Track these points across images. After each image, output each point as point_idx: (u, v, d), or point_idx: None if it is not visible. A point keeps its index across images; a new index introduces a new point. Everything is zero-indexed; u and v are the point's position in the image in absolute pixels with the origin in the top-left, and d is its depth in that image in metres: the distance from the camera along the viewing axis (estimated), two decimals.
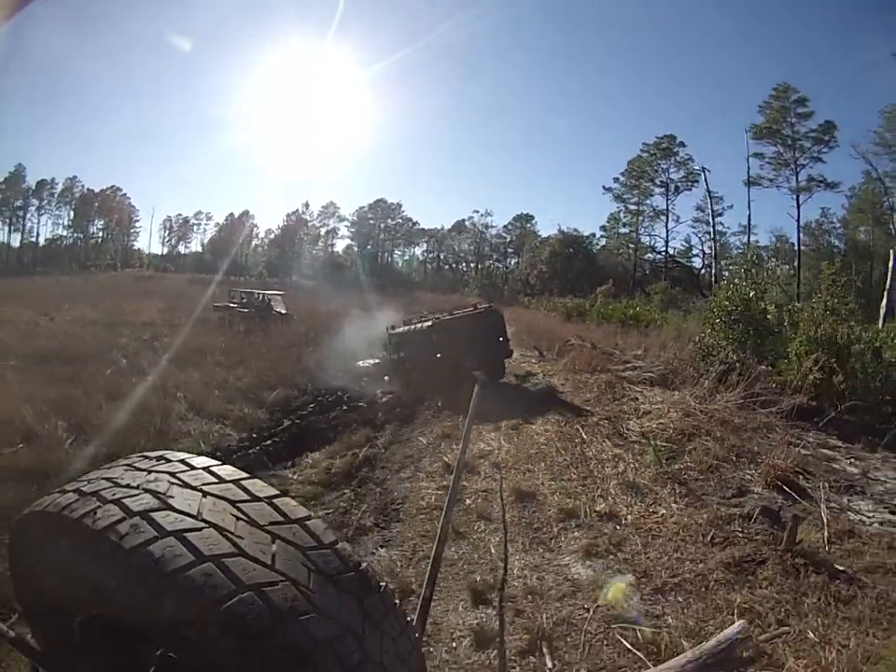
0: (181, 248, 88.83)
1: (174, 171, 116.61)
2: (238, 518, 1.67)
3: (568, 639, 3.87)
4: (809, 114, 49.13)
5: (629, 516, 5.81)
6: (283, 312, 25.77)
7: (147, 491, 1.71)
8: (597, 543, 5.20)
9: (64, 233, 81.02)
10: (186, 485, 1.75)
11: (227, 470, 1.87)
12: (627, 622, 3.99)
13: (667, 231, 61.33)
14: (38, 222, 78.56)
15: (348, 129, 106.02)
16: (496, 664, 3.65)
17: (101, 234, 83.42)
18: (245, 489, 1.79)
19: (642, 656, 3.64)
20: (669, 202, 61.03)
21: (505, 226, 77.19)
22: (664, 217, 61.72)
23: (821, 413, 9.82)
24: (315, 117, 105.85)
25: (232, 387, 11.81)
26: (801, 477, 6.72)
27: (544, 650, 3.72)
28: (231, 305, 26.66)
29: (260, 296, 27.26)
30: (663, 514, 5.80)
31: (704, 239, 59.40)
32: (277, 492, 1.83)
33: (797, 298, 35.70)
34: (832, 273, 13.10)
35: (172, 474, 1.80)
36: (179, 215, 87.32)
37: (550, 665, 3.59)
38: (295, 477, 7.34)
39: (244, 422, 10.10)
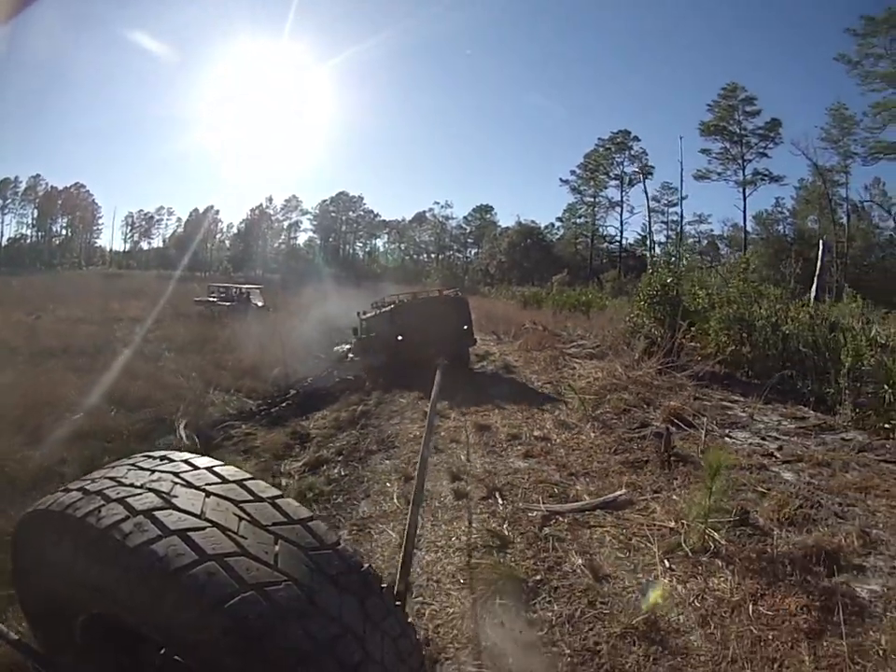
0: (144, 245, 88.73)
1: (135, 167, 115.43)
2: (241, 518, 1.73)
3: (511, 492, 6.08)
4: (756, 112, 51.96)
5: (558, 439, 8.07)
6: (260, 304, 26.53)
7: (150, 490, 1.76)
8: (532, 452, 7.45)
9: (28, 232, 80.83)
10: (189, 485, 1.81)
11: (230, 471, 1.94)
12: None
13: (621, 222, 63.86)
14: (3, 221, 78.44)
15: (309, 123, 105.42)
16: (468, 503, 5.83)
17: (64, 232, 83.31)
18: (247, 489, 1.85)
19: (557, 501, 5.91)
20: (624, 193, 63.55)
21: (465, 217, 78.76)
22: (619, 209, 64.29)
23: (732, 377, 12.17)
24: (275, 111, 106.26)
25: (235, 368, 13.13)
26: (694, 417, 8.83)
27: (497, 496, 5.94)
28: (211, 299, 27.62)
29: (239, 290, 28.13)
30: (582, 438, 8.05)
31: (660, 228, 62.15)
32: (280, 492, 1.90)
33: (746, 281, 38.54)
34: (743, 262, 15.57)
35: (175, 474, 1.86)
36: (141, 211, 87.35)
37: (501, 502, 5.80)
38: (311, 425, 9.26)
39: (255, 393, 11.58)
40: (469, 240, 78.97)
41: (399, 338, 13.06)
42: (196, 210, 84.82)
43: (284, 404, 10.73)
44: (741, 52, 79.48)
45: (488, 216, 77.13)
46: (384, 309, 14.33)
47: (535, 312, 30.24)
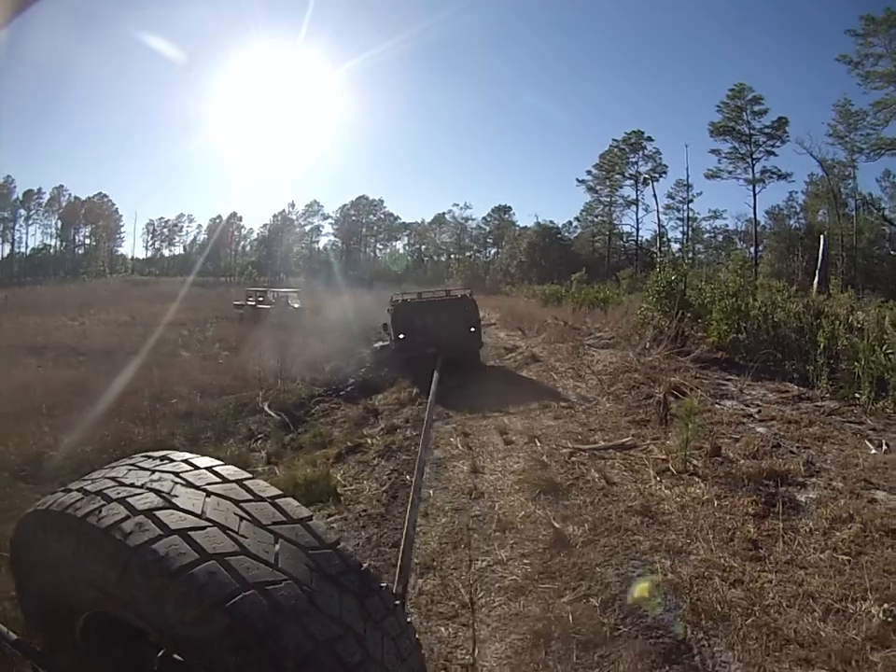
0: (165, 252, 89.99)
1: (154, 175, 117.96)
2: (241, 517, 1.76)
3: (546, 439, 8.18)
4: (764, 111, 52.97)
5: (580, 408, 10.08)
6: (297, 307, 27.95)
7: (151, 490, 1.79)
8: (560, 415, 9.57)
9: (52, 242, 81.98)
10: (189, 485, 1.84)
11: (230, 470, 1.97)
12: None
13: (637, 220, 65.25)
14: (27, 232, 79.63)
15: (327, 128, 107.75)
16: (515, 447, 7.87)
17: (87, 242, 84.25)
18: (247, 489, 1.88)
19: (580, 443, 7.91)
20: (639, 192, 64.90)
21: (484, 217, 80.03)
22: (634, 207, 65.66)
23: (730, 361, 13.98)
24: (294, 117, 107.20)
25: (295, 362, 14.21)
26: (691, 390, 10.58)
27: (535, 441, 7.96)
28: (250, 303, 28.51)
29: (277, 293, 29.45)
30: (599, 407, 10.03)
31: (676, 224, 63.61)
32: (280, 492, 1.93)
33: (755, 275, 39.76)
34: (739, 260, 17.45)
35: (175, 474, 1.89)
36: (161, 218, 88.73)
37: (539, 446, 7.76)
38: (377, 403, 11.18)
39: (317, 381, 13.03)
40: (488, 240, 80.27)
41: (402, 336, 13.63)
42: (219, 217, 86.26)
43: (348, 388, 12.39)
44: (747, 53, 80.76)
45: (507, 216, 78.59)
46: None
47: (555, 309, 31.51)
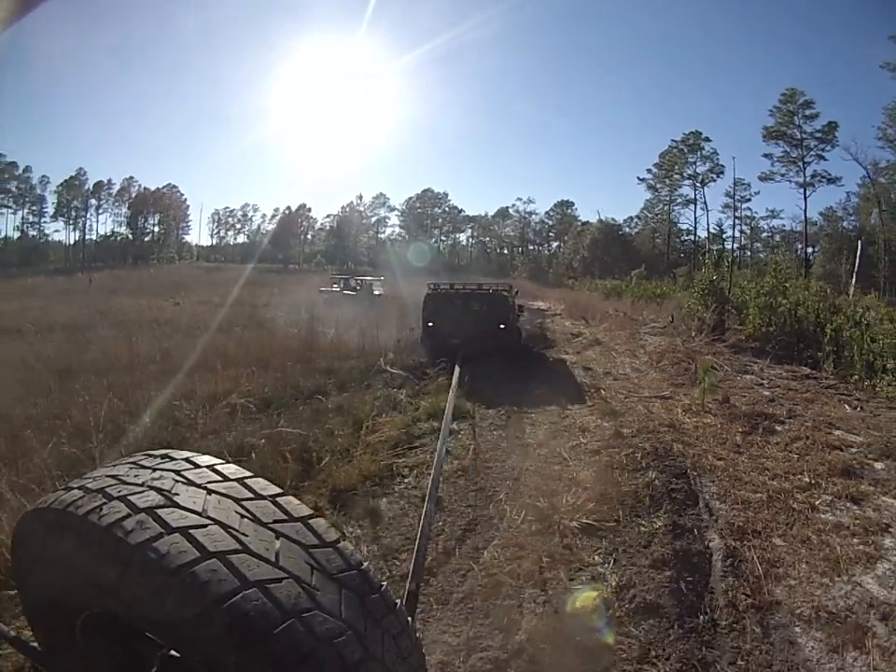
0: (229, 240, 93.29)
1: (220, 167, 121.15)
2: (242, 516, 1.77)
3: (607, 391, 11.48)
4: (815, 115, 54.36)
5: (633, 375, 13.43)
6: (379, 293, 29.60)
7: (152, 488, 1.79)
8: (618, 378, 13.01)
9: (121, 230, 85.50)
10: (190, 483, 1.85)
11: (231, 469, 1.98)
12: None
13: (695, 219, 67.15)
14: (97, 221, 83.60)
15: (394, 121, 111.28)
16: (588, 394, 11.22)
17: (155, 230, 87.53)
18: (248, 487, 1.89)
19: (632, 393, 11.24)
20: (697, 192, 66.75)
21: (547, 212, 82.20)
22: (693, 206, 67.53)
23: (761, 349, 16.93)
24: (358, 110, 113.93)
25: (399, 338, 15.95)
26: (720, 367, 13.82)
27: (601, 391, 11.29)
28: (335, 289, 30.82)
29: (361, 280, 31.19)
30: (647, 375, 13.32)
31: (734, 223, 65.45)
32: (280, 490, 1.94)
33: (805, 275, 41.83)
34: (775, 263, 20.30)
35: (177, 472, 1.90)
36: (227, 208, 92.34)
37: (603, 394, 11.10)
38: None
39: (418, 352, 14.85)
40: (551, 234, 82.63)
41: (430, 324, 14.08)
42: (288, 208, 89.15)
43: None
44: (798, 57, 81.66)
45: (569, 211, 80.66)
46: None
47: (616, 302, 34.54)
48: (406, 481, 6.81)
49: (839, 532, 5.61)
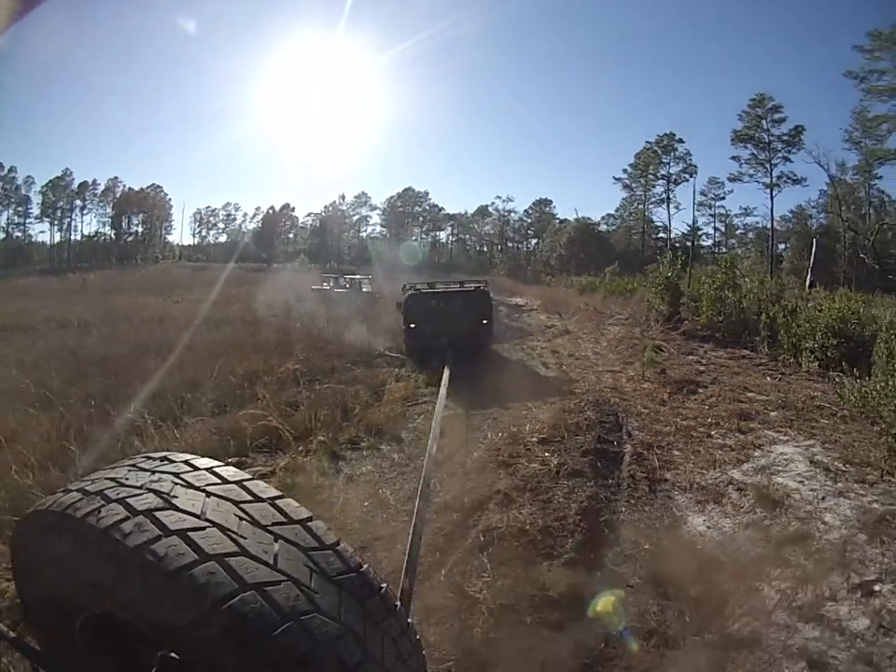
0: (211, 239, 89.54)
1: (201, 166, 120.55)
2: (241, 518, 1.77)
3: (569, 366, 14.05)
4: (782, 119, 56.21)
5: (592, 356, 15.86)
6: (368, 290, 30.33)
7: (150, 491, 1.80)
8: (579, 358, 15.36)
9: (104, 230, 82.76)
10: (189, 486, 1.86)
11: (230, 471, 1.98)
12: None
13: (669, 218, 69.12)
14: (82, 221, 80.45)
15: (374, 120, 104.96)
16: (552, 368, 13.66)
17: (139, 230, 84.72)
18: (247, 490, 1.90)
19: (590, 367, 13.72)
20: (670, 192, 68.81)
21: (525, 210, 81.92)
22: (666, 205, 69.54)
23: (710, 336, 19.13)
24: (338, 109, 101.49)
25: (383, 332, 17.87)
26: (666, 349, 16.22)
27: (563, 366, 13.75)
28: (325, 287, 31.57)
29: (351, 278, 32.06)
30: (605, 357, 15.72)
31: (708, 221, 67.54)
32: (279, 493, 1.94)
33: (772, 271, 44.33)
34: (725, 261, 22.74)
35: (175, 475, 1.91)
36: (208, 207, 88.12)
37: (565, 368, 13.52)
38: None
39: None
40: (529, 231, 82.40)
41: (412, 326, 14.08)
42: (272, 208, 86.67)
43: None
44: (766, 60, 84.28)
45: (547, 209, 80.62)
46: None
47: (589, 297, 36.07)
48: (417, 421, 9.53)
49: (722, 448, 8.11)
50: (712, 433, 8.82)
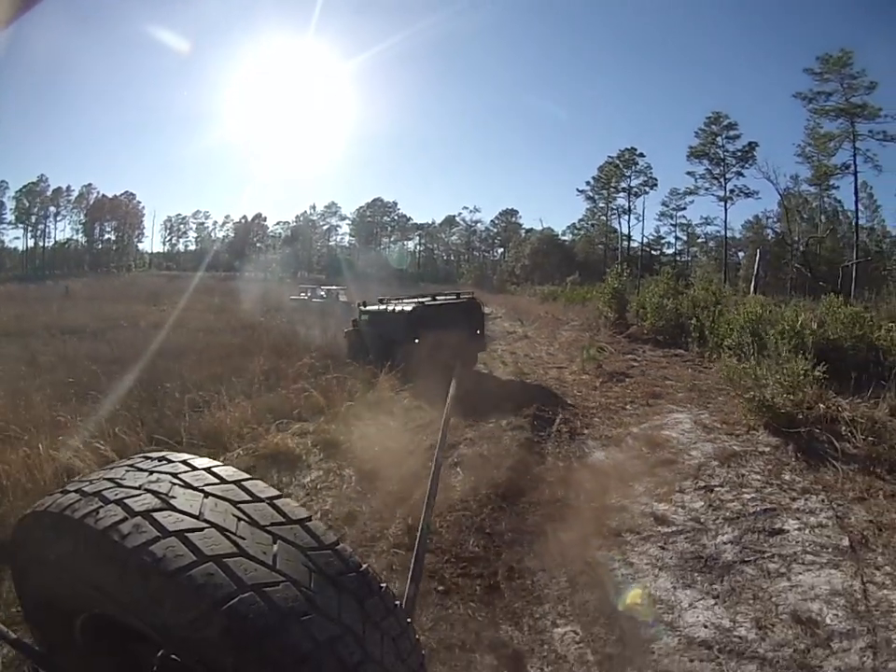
0: (181, 247, 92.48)
1: (169, 172, 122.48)
2: (239, 518, 1.78)
3: (524, 361, 16.70)
4: (737, 136, 59.19)
5: (545, 357, 18.28)
6: (344, 300, 30.94)
7: (148, 491, 1.80)
8: (533, 357, 18.05)
9: (76, 237, 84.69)
10: (187, 486, 1.86)
11: (228, 471, 1.98)
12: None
13: (629, 229, 71.64)
14: (55, 228, 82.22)
15: (343, 130, 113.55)
16: (510, 365, 16.16)
17: (111, 237, 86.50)
18: (246, 490, 1.90)
19: (539, 364, 16.51)
20: (631, 204, 70.92)
21: (492, 220, 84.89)
22: (627, 216, 71.97)
23: (653, 339, 21.54)
24: (307, 118, 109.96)
25: None
26: (608, 349, 18.89)
27: (518, 364, 16.29)
28: (303, 297, 33.46)
29: (328, 289, 33.90)
30: (556, 357, 18.21)
31: (669, 230, 70.51)
32: (278, 493, 1.95)
33: (725, 279, 47.29)
34: (666, 273, 25.57)
35: (173, 475, 1.91)
36: (178, 215, 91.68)
37: (520, 366, 16.08)
38: None
39: None
40: (496, 241, 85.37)
41: (416, 340, 13.39)
42: (244, 217, 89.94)
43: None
44: (722, 82, 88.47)
45: (513, 219, 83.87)
46: (395, 307, 14.56)
47: (550, 305, 38.93)
48: (407, 399, 11.67)
49: (631, 416, 10.68)
50: (626, 407, 11.32)
